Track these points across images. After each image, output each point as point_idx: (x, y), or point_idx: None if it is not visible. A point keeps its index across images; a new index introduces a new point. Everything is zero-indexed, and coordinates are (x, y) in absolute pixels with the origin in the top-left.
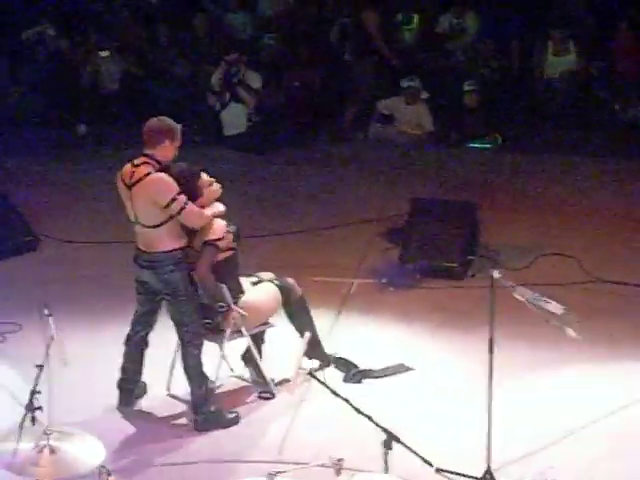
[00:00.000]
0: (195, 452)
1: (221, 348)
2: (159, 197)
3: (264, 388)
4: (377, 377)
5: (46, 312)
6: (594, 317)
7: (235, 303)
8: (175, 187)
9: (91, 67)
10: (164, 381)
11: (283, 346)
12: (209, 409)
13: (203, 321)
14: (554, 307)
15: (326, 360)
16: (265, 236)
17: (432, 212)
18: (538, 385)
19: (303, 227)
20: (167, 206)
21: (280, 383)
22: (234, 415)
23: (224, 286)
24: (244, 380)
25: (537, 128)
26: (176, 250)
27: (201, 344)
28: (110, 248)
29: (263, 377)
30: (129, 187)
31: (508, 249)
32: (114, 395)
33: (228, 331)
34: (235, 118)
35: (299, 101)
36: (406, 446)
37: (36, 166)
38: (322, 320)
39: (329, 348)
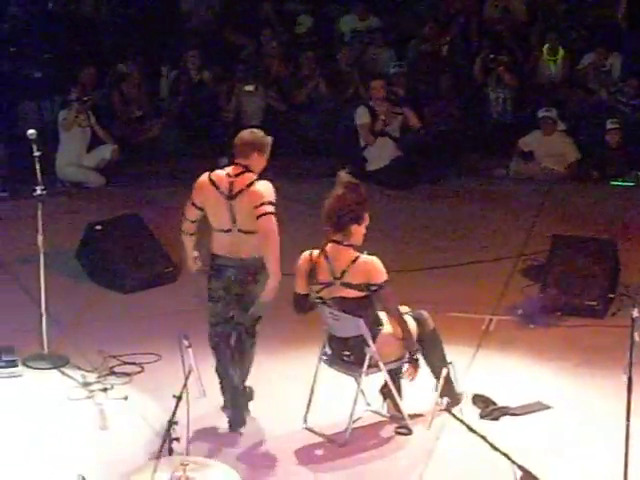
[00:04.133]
0: None
1: (358, 382)
2: (258, 201)
3: (401, 423)
4: (515, 414)
5: (186, 343)
6: None
7: (375, 336)
8: (271, 194)
9: (235, 100)
10: (301, 413)
11: (419, 381)
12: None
13: (342, 353)
14: None
15: (455, 397)
16: (403, 271)
17: (572, 250)
18: None
19: (442, 262)
20: (258, 207)
21: (415, 417)
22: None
23: (361, 320)
24: (381, 415)
25: None
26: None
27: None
28: None
29: (401, 412)
30: (230, 197)
31: None
32: (252, 426)
33: (365, 365)
34: (380, 153)
35: (439, 135)
36: None
37: (176, 197)
38: (460, 356)
39: (467, 384)
